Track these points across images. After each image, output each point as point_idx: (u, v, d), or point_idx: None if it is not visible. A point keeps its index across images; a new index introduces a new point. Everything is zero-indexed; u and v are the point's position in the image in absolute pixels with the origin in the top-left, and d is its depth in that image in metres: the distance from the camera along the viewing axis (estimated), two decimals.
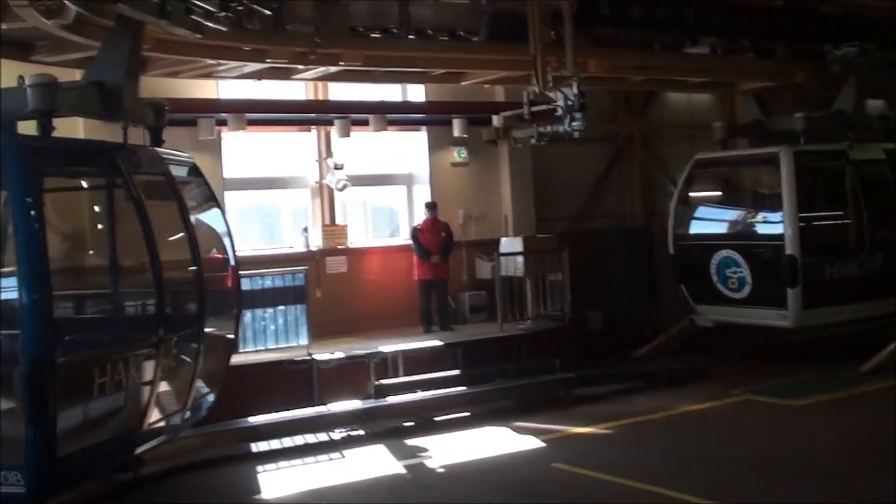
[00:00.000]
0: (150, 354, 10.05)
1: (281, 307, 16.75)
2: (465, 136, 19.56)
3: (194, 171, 11.84)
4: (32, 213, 8.99)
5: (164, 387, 10.19)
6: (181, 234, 10.78)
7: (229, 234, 11.97)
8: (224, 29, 11.35)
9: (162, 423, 10.54)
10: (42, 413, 8.77)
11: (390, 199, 20.86)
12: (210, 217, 11.71)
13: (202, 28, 10.96)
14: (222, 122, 17.41)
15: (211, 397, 11.70)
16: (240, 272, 15.02)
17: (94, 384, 9.74)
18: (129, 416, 10.17)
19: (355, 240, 19.53)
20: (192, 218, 11.05)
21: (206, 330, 11.12)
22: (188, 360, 10.78)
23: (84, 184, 11.54)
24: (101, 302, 11.43)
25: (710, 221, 19.70)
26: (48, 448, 8.92)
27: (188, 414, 11.27)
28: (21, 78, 10.21)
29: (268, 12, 13.66)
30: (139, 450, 10.74)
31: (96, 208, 11.20)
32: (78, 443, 9.43)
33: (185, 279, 10.72)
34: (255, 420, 14.68)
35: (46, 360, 8.81)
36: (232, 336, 12.19)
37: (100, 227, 11.26)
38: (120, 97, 10.27)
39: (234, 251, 12.13)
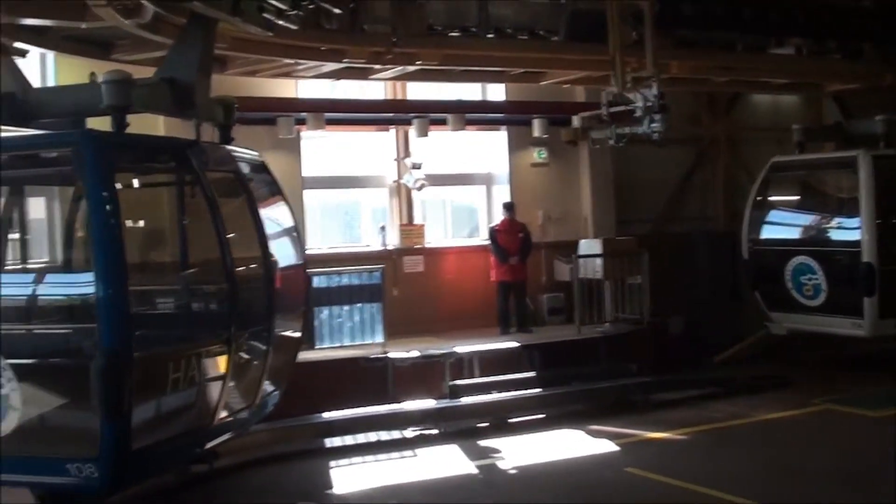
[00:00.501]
0: (221, 350, 10.07)
1: (357, 305, 16.82)
2: (545, 136, 19.47)
3: (263, 168, 11.88)
4: (108, 207, 8.99)
5: (234, 383, 10.20)
6: (252, 232, 10.78)
7: (298, 232, 11.98)
8: (294, 27, 11.34)
9: (231, 419, 10.56)
10: (118, 407, 8.78)
11: (469, 198, 20.82)
12: (279, 215, 11.72)
13: (273, 26, 10.97)
14: (301, 122, 17.53)
15: (276, 395, 11.70)
16: (308, 270, 15.17)
17: (167, 379, 9.76)
18: (201, 412, 10.21)
19: (433, 239, 19.55)
20: (262, 215, 11.06)
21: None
22: (258, 356, 10.80)
23: (157, 180, 11.64)
24: (175, 297, 11.50)
25: (786, 226, 19.13)
26: (123, 441, 8.94)
27: (255, 410, 11.29)
28: (93, 74, 10.30)
29: (337, 10, 13.68)
30: (208, 445, 10.78)
31: (169, 204, 11.27)
32: (151, 437, 9.45)
33: (255, 276, 10.73)
34: (329, 416, 14.78)
35: (123, 354, 8.81)
36: (299, 334, 12.19)
37: (172, 223, 11.33)
38: (192, 94, 10.26)
39: (302, 249, 12.14)
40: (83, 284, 10.76)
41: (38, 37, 12.05)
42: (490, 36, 16.00)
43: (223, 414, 10.22)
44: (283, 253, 11.20)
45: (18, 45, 11.42)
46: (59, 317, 11.23)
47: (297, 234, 11.96)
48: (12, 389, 8.93)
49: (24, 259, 10.88)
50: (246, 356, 10.48)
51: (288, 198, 12.00)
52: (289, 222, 11.85)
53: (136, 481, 10.15)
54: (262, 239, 10.72)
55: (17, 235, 11.45)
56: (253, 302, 10.56)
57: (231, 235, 10.11)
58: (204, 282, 11.16)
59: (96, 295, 8.86)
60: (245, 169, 11.16)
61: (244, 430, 11.77)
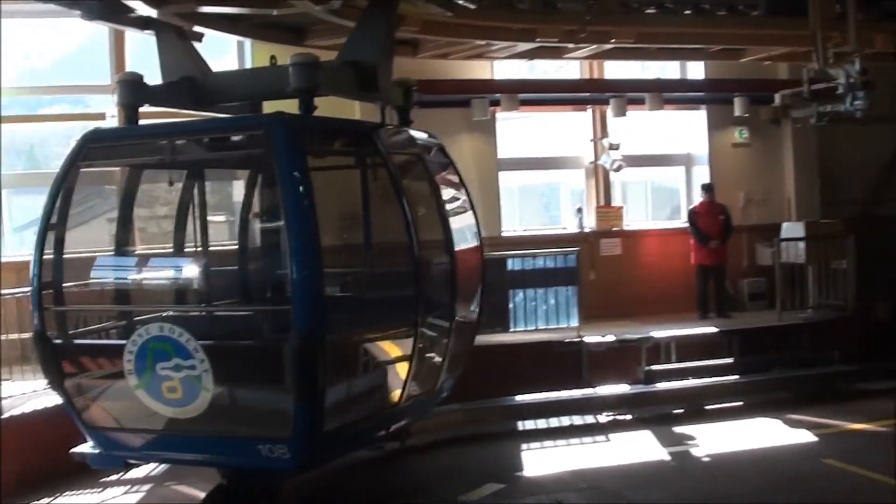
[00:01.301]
0: (407, 334, 9.99)
1: (552, 288, 16.71)
2: (746, 115, 19.04)
3: (441, 151, 11.77)
4: (302, 189, 8.93)
5: (418, 367, 10.17)
6: (435, 215, 10.69)
7: (475, 216, 11.89)
8: (473, 6, 11.30)
9: (413, 403, 10.52)
10: (312, 389, 8.78)
11: (671, 179, 20.53)
12: (458, 198, 11.67)
13: (454, 7, 10.95)
14: (496, 103, 17.55)
15: (451, 381, 11.63)
16: (503, 253, 15.16)
17: (357, 362, 9.89)
18: (387, 394, 10.25)
19: (632, 222, 19.36)
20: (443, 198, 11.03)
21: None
22: (440, 340, 10.73)
23: (343, 162, 11.59)
24: (362, 281, 11.49)
25: None
26: (315, 423, 8.96)
27: (435, 395, 11.30)
28: (273, 58, 10.42)
29: None
30: (392, 427, 10.81)
31: (355, 187, 11.31)
32: (340, 418, 9.43)
33: (438, 260, 10.63)
34: (521, 399, 14.75)
35: (318, 337, 8.75)
36: (476, 318, 12.00)
37: (357, 206, 11.33)
38: (375, 76, 10.23)
39: (479, 233, 12.03)
40: (278, 267, 11.04)
41: (233, 24, 12.30)
42: (687, 12, 15.62)
43: (406, 397, 10.21)
44: (460, 236, 11.11)
45: (198, 28, 11.57)
46: (253, 299, 11.49)
47: (474, 217, 11.87)
48: (204, 370, 8.97)
49: (205, 243, 10.83)
50: (430, 340, 10.46)
51: (465, 180, 11.89)
52: (466, 205, 11.79)
53: (324, 462, 10.22)
54: (445, 223, 10.67)
55: (212, 218, 11.71)
56: (436, 286, 10.54)
57: (417, 219, 10.05)
58: (392, 265, 11.17)
59: (291, 277, 8.81)
60: (425, 151, 11.14)
61: (423, 415, 11.85)
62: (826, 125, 17.43)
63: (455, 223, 10.87)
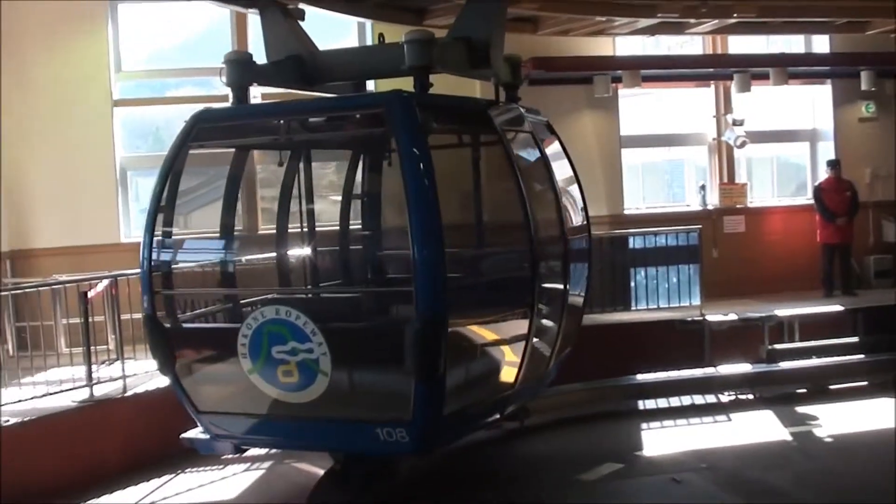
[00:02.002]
0: (523, 316, 9.85)
1: (674, 266, 16.54)
2: (873, 89, 18.57)
3: (549, 128, 11.62)
4: (423, 168, 8.79)
5: (532, 349, 10.04)
6: (548, 195, 10.56)
7: (583, 195, 11.79)
8: None
9: (526, 385, 10.39)
10: (433, 372, 8.67)
11: (793, 155, 20.18)
12: (565, 177, 11.58)
13: None
14: (618, 80, 17.41)
15: (558, 364, 11.49)
16: (623, 231, 14.98)
17: (475, 344, 9.87)
18: (502, 377, 10.19)
19: (755, 199, 19.08)
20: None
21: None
22: (553, 322, 10.60)
23: (457, 140, 11.59)
24: (479, 261, 11.45)
25: None
26: (436, 406, 8.86)
27: (545, 377, 11.27)
28: (381, 36, 10.42)
29: None
30: (507, 410, 10.78)
31: (467, 165, 11.25)
32: (458, 401, 9.33)
33: (551, 240, 10.46)
34: (642, 378, 14.67)
35: (440, 319, 8.65)
36: (583, 300, 11.86)
37: (472, 184, 11.31)
38: (487, 52, 10.08)
39: (587, 213, 11.94)
40: (396, 247, 11.06)
41: (354, 6, 12.34)
42: None
43: (521, 380, 10.07)
44: (570, 216, 10.99)
45: (302, 6, 11.53)
46: (370, 280, 11.51)
47: (582, 196, 11.79)
48: (322, 354, 8.89)
49: (312, 225, 10.78)
50: (543, 322, 10.35)
51: (587, 157, 11.82)
52: (574, 184, 11.68)
53: (442, 444, 10.13)
54: (558, 202, 10.55)
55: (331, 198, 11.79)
56: (550, 267, 10.37)
57: (531, 198, 9.91)
58: (505, 245, 11.14)
59: (413, 258, 8.64)
60: (534, 128, 11.01)
61: (533, 398, 11.78)
62: None
63: (565, 202, 10.78)
